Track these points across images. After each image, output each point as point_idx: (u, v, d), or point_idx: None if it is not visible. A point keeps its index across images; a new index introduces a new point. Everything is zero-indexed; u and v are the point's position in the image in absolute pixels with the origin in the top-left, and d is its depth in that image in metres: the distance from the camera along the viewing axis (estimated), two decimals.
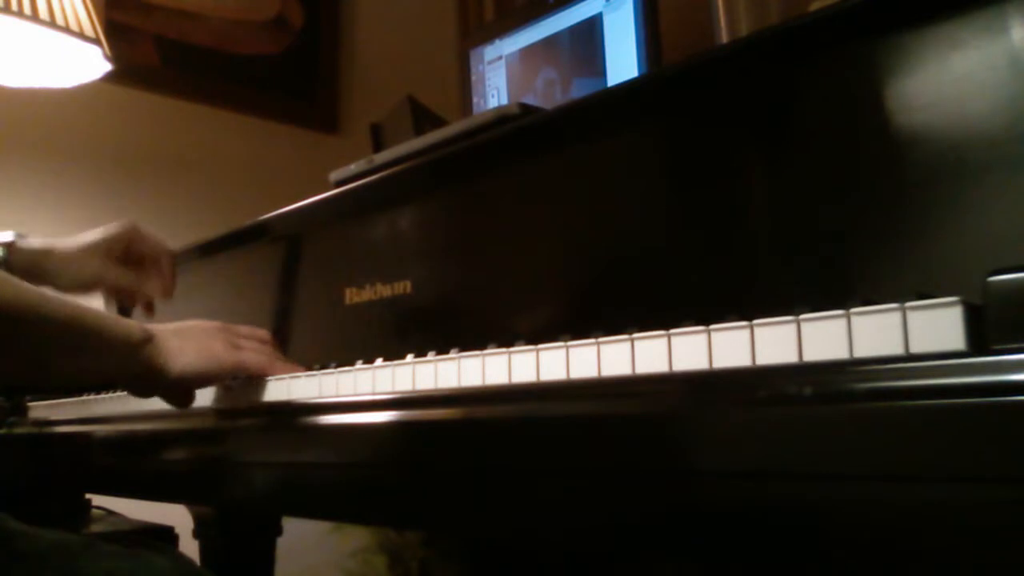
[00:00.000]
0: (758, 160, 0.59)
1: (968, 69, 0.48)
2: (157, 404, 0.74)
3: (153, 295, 0.96)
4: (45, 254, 0.90)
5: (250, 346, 0.75)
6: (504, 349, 0.53)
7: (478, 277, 0.77)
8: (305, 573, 1.54)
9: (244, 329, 0.78)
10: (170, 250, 0.98)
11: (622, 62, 1.24)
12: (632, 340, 0.46)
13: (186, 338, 0.71)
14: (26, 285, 0.62)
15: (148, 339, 0.68)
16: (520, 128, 0.76)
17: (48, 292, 0.65)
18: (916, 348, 0.35)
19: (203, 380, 0.72)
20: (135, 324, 0.69)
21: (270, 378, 0.72)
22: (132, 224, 0.96)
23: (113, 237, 0.93)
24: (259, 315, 0.99)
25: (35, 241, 0.91)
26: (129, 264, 0.94)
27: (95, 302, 0.94)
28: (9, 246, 0.88)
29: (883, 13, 0.52)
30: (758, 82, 0.59)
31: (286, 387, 0.69)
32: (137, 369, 0.68)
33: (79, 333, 0.65)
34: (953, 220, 0.48)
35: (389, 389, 0.60)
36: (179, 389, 0.72)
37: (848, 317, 0.37)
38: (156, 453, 0.85)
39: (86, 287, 0.92)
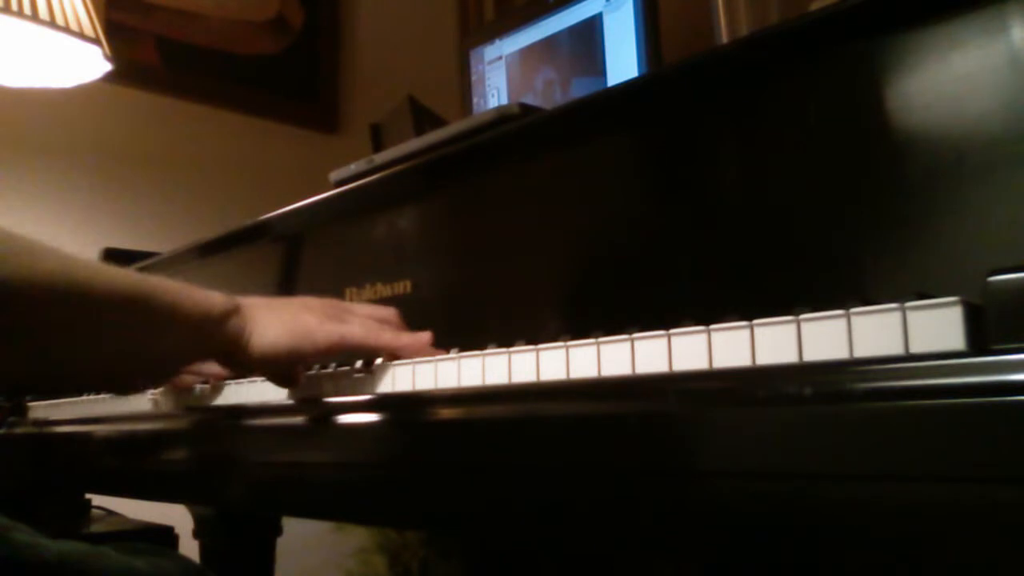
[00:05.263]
0: (758, 160, 0.59)
1: (968, 69, 0.48)
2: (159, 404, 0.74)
3: None
4: None
5: (357, 320, 0.65)
6: (504, 349, 0.53)
7: (478, 277, 0.77)
8: (305, 573, 1.54)
9: (363, 308, 0.69)
10: None
11: (622, 62, 1.24)
12: (632, 340, 0.46)
13: (277, 310, 0.63)
14: (75, 257, 0.53)
15: (232, 311, 0.60)
16: (520, 128, 0.76)
17: (103, 265, 0.55)
18: (916, 348, 0.35)
19: (293, 357, 0.62)
20: (216, 295, 0.60)
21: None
22: None
23: None
24: None
25: None
26: None
27: None
28: None
29: (883, 13, 0.52)
30: (758, 82, 0.59)
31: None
32: (219, 347, 0.60)
33: (145, 310, 0.56)
34: (953, 220, 0.48)
35: (389, 389, 0.60)
36: (267, 368, 0.64)
37: (848, 317, 0.37)
38: (156, 453, 0.84)
39: None
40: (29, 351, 0.52)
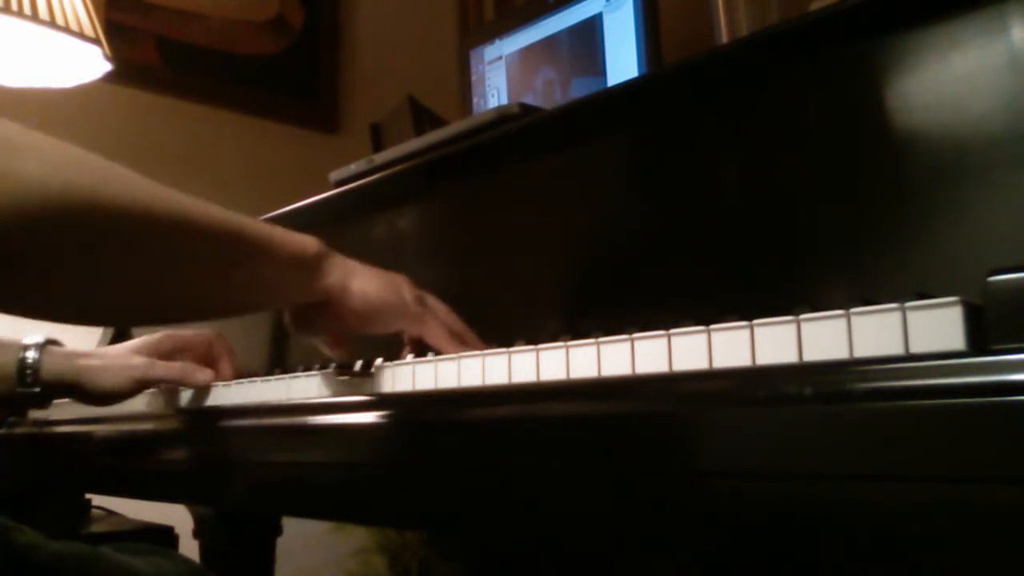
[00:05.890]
0: (758, 160, 0.59)
1: (968, 69, 0.48)
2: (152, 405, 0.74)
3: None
4: (82, 355, 0.81)
5: (435, 313, 0.64)
6: (504, 349, 0.53)
7: (478, 277, 0.77)
8: (305, 573, 1.54)
9: (442, 308, 0.67)
10: (216, 334, 0.86)
11: (622, 62, 1.24)
12: (632, 340, 0.46)
13: (368, 267, 0.63)
14: (172, 190, 0.52)
15: (326, 253, 0.60)
16: (520, 128, 0.76)
17: (192, 198, 0.54)
18: (916, 348, 0.35)
19: (385, 315, 0.61)
20: (309, 237, 0.60)
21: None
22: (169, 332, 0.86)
23: (157, 338, 0.84)
24: (259, 315, 0.99)
25: (69, 349, 0.83)
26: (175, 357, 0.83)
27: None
28: (42, 347, 0.80)
29: (883, 13, 0.52)
30: (758, 82, 0.59)
31: (286, 386, 0.69)
32: (314, 287, 0.59)
33: (239, 243, 0.55)
34: (953, 220, 0.48)
35: (389, 389, 0.60)
36: (360, 322, 0.62)
37: (848, 317, 0.37)
38: (156, 453, 0.84)
39: (130, 390, 0.82)
40: (133, 277, 0.52)
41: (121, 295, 0.53)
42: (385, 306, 0.61)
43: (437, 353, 0.62)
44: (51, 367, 0.79)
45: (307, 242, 0.59)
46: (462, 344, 0.64)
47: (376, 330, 0.64)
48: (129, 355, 0.81)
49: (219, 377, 0.81)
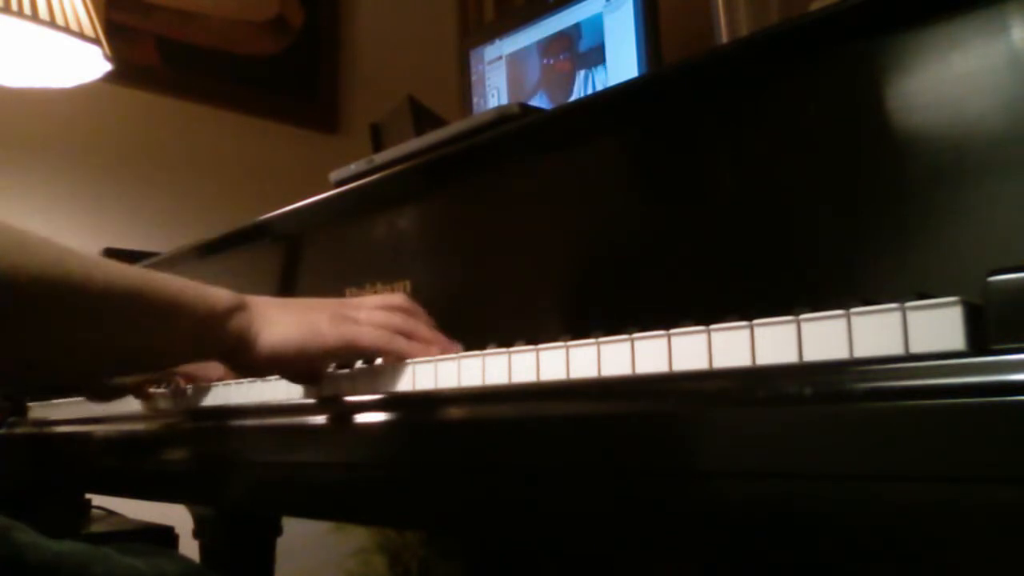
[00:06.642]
0: (758, 160, 0.59)
1: (968, 69, 0.48)
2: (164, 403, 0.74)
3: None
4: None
5: (369, 321, 0.62)
6: (504, 349, 0.53)
7: (478, 277, 0.77)
8: (305, 573, 1.54)
9: (371, 300, 0.66)
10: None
11: (622, 62, 1.24)
12: (632, 340, 0.46)
13: (286, 308, 0.61)
14: (72, 250, 0.52)
15: (238, 307, 0.59)
16: (520, 128, 0.76)
17: (103, 259, 0.55)
18: (916, 348, 0.35)
19: (300, 357, 0.60)
20: (222, 291, 0.59)
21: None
22: None
23: None
24: None
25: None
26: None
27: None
28: None
29: (883, 13, 0.52)
30: (758, 82, 0.59)
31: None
32: (224, 344, 0.58)
33: (144, 304, 0.54)
34: (953, 220, 0.48)
35: (389, 389, 0.60)
36: (274, 368, 0.62)
37: (848, 317, 0.37)
38: (156, 453, 0.84)
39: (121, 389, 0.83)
40: (24, 344, 0.51)
41: (16, 353, 0.52)
42: (296, 345, 0.60)
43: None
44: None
45: (219, 297, 0.58)
46: (394, 339, 0.61)
47: (301, 370, 0.63)
48: None
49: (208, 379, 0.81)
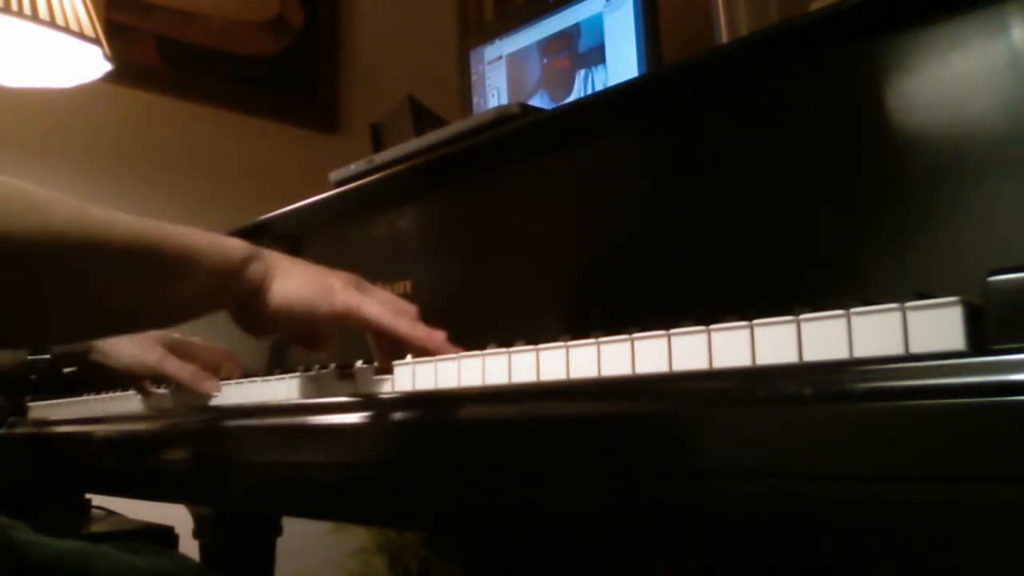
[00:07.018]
0: (758, 160, 0.59)
1: (968, 69, 0.48)
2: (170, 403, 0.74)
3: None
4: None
5: (377, 298, 0.63)
6: (504, 349, 0.53)
7: (478, 277, 0.77)
8: (305, 573, 1.54)
9: (385, 293, 0.67)
10: (227, 353, 0.86)
11: (622, 62, 1.24)
12: (632, 340, 0.46)
13: (301, 264, 0.61)
14: (88, 207, 0.51)
15: (253, 256, 0.58)
16: (520, 128, 0.76)
17: (117, 213, 0.53)
18: (916, 348, 0.35)
19: (309, 313, 0.60)
20: (237, 240, 0.59)
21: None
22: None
23: (176, 339, 0.84)
24: None
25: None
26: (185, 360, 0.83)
27: None
28: None
29: (883, 13, 0.52)
30: (758, 82, 0.59)
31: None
32: (240, 293, 0.58)
33: (160, 256, 0.54)
34: (953, 220, 0.48)
35: (389, 389, 0.60)
36: (282, 322, 0.61)
37: (848, 317, 0.37)
38: (156, 453, 0.84)
39: (139, 371, 0.83)
40: (45, 303, 0.51)
41: (36, 316, 0.52)
42: (306, 300, 0.59)
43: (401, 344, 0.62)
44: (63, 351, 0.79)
45: (233, 246, 0.58)
46: (399, 317, 0.62)
47: (304, 325, 0.63)
48: (149, 341, 0.81)
49: (225, 375, 0.82)
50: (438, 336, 0.62)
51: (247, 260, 0.58)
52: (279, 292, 0.59)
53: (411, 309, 0.66)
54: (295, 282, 0.59)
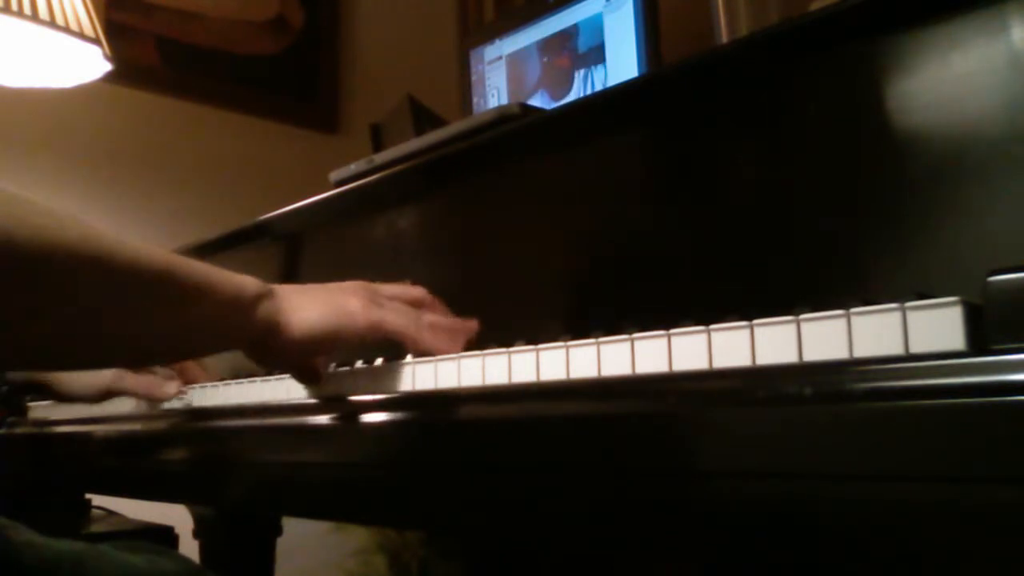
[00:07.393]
0: (758, 160, 0.59)
1: (968, 69, 0.48)
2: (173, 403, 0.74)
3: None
4: None
5: (393, 307, 0.62)
6: (504, 349, 0.53)
7: (478, 277, 0.77)
8: (305, 573, 1.54)
9: (390, 288, 0.65)
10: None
11: (622, 62, 1.24)
12: (632, 340, 0.46)
13: (311, 294, 0.61)
14: (98, 228, 0.49)
15: (265, 294, 0.58)
16: (520, 128, 0.76)
17: (124, 239, 0.51)
18: (916, 348, 0.35)
19: (333, 340, 0.59)
20: (248, 278, 0.58)
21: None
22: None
23: None
24: None
25: None
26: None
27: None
28: None
29: (883, 13, 0.52)
30: (758, 82, 0.59)
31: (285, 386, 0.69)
32: (252, 331, 0.57)
33: (172, 285, 0.53)
34: (953, 220, 0.48)
35: (390, 389, 0.60)
36: (306, 354, 0.61)
37: (848, 317, 0.37)
38: (156, 453, 0.84)
39: (96, 397, 0.85)
40: (51, 323, 0.49)
41: (38, 341, 0.50)
42: (331, 328, 0.59)
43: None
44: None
45: (245, 283, 0.57)
46: (422, 329, 0.62)
47: (330, 352, 0.63)
48: None
49: (190, 379, 0.83)
50: (457, 345, 0.62)
51: (259, 297, 0.57)
52: (301, 324, 0.58)
53: (423, 296, 0.65)
54: (314, 312, 0.59)
